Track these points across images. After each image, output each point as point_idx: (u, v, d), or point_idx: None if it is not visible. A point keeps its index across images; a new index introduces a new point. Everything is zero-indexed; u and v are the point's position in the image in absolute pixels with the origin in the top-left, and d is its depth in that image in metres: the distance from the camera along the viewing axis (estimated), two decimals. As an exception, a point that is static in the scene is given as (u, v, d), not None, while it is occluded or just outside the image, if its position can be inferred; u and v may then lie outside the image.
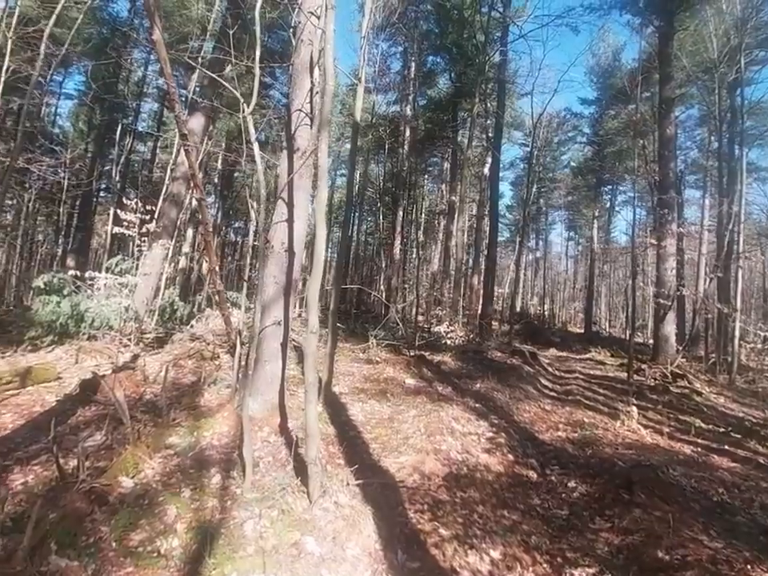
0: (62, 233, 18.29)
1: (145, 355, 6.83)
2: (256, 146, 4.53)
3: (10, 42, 6.42)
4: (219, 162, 20.48)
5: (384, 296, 12.92)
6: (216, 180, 21.49)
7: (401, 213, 17.40)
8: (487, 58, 15.51)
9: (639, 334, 24.38)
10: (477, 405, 6.24)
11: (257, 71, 4.75)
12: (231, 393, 5.08)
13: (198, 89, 12.05)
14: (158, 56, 4.51)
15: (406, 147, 17.86)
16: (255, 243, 8.70)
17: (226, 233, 25.56)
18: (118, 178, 16.85)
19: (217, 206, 21.83)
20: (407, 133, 18.01)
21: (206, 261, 17.50)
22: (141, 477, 3.33)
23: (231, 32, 5.55)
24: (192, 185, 9.87)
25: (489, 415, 5.96)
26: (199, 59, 12.10)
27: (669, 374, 10.23)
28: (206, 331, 7.97)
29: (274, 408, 4.49)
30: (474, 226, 22.09)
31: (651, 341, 17.48)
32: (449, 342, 9.16)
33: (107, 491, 3.01)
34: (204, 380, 5.54)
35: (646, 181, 16.88)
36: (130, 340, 7.45)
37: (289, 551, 2.78)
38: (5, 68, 6.30)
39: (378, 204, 23.63)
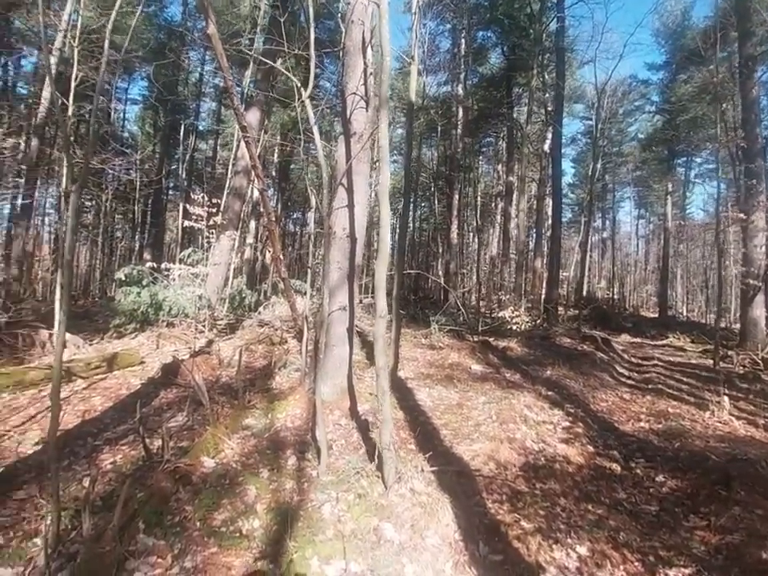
0: (138, 229, 19.62)
1: (218, 341, 7.12)
2: (315, 129, 4.47)
3: (76, 52, 6.80)
4: (276, 155, 20.96)
5: (443, 281, 12.66)
6: (274, 173, 22.04)
7: (456, 196, 16.92)
8: (543, 26, 14.51)
9: (721, 318, 22.29)
10: (549, 393, 5.91)
11: (312, 53, 4.67)
12: (301, 376, 5.13)
13: (252, 85, 12.28)
14: (214, 51, 4.55)
15: (459, 128, 17.26)
16: (318, 230, 8.82)
17: (285, 223, 26.27)
18: (184, 176, 17.73)
19: (276, 197, 22.43)
20: (460, 113, 17.38)
21: (269, 250, 18.07)
22: (221, 457, 3.42)
23: (282, 19, 5.52)
24: (253, 176, 10.16)
25: (563, 404, 5.62)
26: (252, 53, 12.39)
27: (760, 361, 9.21)
28: (274, 317, 8.18)
29: (343, 392, 4.48)
30: (535, 206, 21.10)
31: (736, 325, 15.87)
32: (514, 327, 8.79)
33: (190, 471, 3.11)
34: (274, 364, 5.66)
35: (728, 150, 15.18)
36: (204, 326, 7.81)
37: (368, 537, 2.72)
38: (74, 76, 6.69)
39: (432, 188, 23.18)
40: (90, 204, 18.66)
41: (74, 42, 7.16)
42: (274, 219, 6.22)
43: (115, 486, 3.00)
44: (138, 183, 17.40)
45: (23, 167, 10.39)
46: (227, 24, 14.51)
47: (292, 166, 23.14)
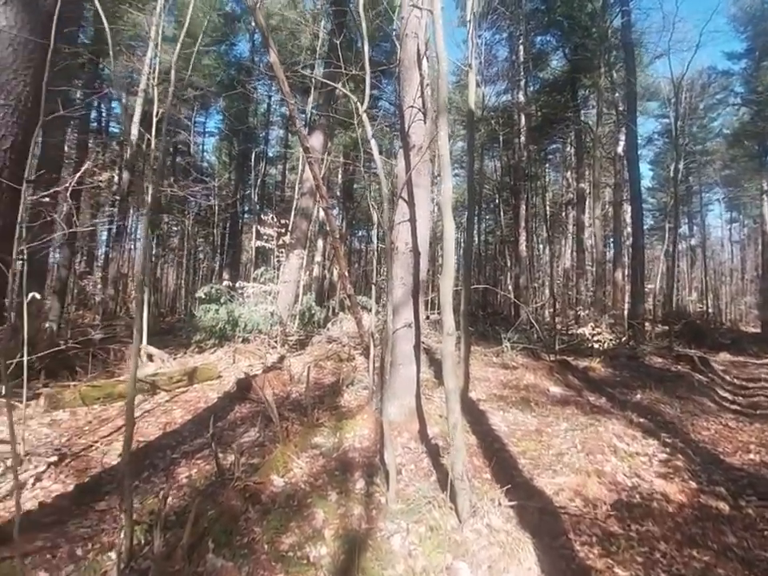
0: (218, 250, 21.01)
1: (289, 356, 7.25)
2: (373, 143, 4.43)
3: (156, 92, 7.49)
4: (339, 176, 21.59)
5: (512, 296, 12.10)
6: (338, 193, 22.69)
7: (523, 207, 16.23)
8: (607, 22, 13.67)
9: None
10: (641, 420, 5.29)
11: (367, 67, 4.67)
12: (369, 395, 5.03)
13: (314, 110, 12.75)
14: (276, 78, 4.71)
15: (522, 136, 16.64)
16: (381, 246, 8.84)
17: (350, 241, 26.85)
18: (256, 200, 18.79)
19: (341, 216, 23.03)
20: (522, 121, 16.77)
21: (336, 268, 18.53)
22: (290, 476, 3.37)
23: (338, 41, 5.63)
24: (318, 196, 10.47)
25: (658, 432, 4.98)
26: (313, 79, 13.00)
27: None
28: (341, 334, 8.23)
29: (411, 413, 4.29)
30: (610, 213, 19.72)
31: None
32: (595, 345, 8.09)
33: (260, 489, 3.07)
34: (342, 381, 5.61)
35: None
36: (276, 342, 8.03)
37: (441, 576, 2.49)
38: (155, 112, 7.33)
39: (497, 200, 22.54)
40: (176, 229, 20.34)
41: (155, 82, 7.90)
42: (338, 237, 6.28)
43: (189, 501, 3.04)
44: (217, 208, 18.86)
45: (117, 197, 11.51)
46: (290, 54, 15.38)
47: (355, 186, 23.72)
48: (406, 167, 4.71)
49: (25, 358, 3.82)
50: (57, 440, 4.25)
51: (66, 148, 9.68)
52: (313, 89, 14.07)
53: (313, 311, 10.23)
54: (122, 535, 2.24)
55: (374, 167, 23.87)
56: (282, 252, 9.72)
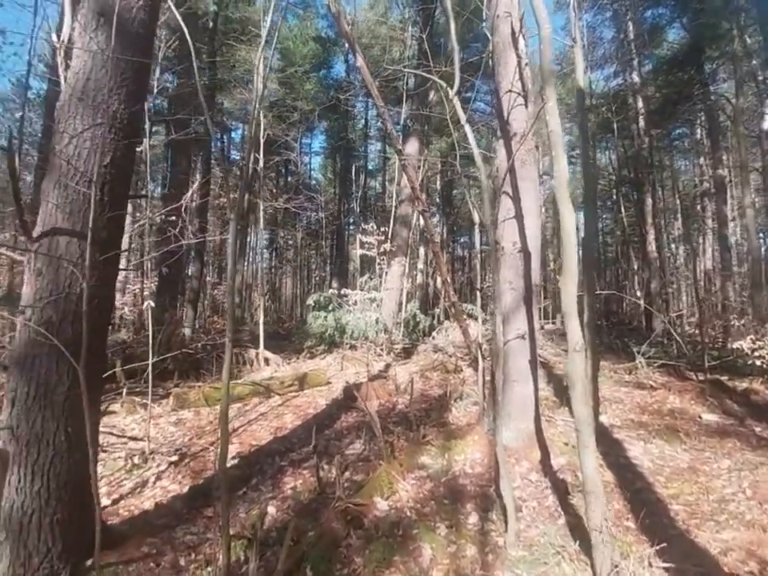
0: (327, 260, 22.01)
1: (395, 365, 7.06)
2: (468, 128, 3.97)
3: (263, 119, 7.98)
4: (438, 182, 21.27)
5: (643, 303, 10.52)
6: (438, 200, 22.33)
7: (649, 201, 14.14)
8: None
9: None
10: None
11: (454, 41, 4.21)
12: (479, 412, 4.56)
13: (408, 119, 12.60)
14: (364, 81, 4.54)
15: (641, 122, 14.53)
16: (485, 248, 8.29)
17: (452, 248, 26.27)
18: (358, 211, 19.30)
19: (441, 222, 22.60)
20: (639, 104, 14.66)
21: (439, 275, 18.17)
22: (395, 499, 3.07)
23: (424, 35, 5.26)
24: (414, 198, 10.24)
25: None
26: (405, 88, 12.96)
27: None
28: (447, 343, 7.83)
29: (530, 437, 3.73)
30: (758, 203, 16.33)
31: None
32: (756, 362, 6.53)
33: (363, 512, 2.82)
34: (450, 395, 5.21)
35: None
36: (382, 350, 7.93)
37: None
38: (261, 134, 7.75)
39: (614, 196, 20.13)
40: (290, 242, 21.80)
41: (261, 110, 8.47)
42: (437, 241, 5.91)
43: (291, 516, 2.90)
44: (324, 221, 19.92)
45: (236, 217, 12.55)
46: (383, 69, 15.66)
47: (454, 192, 23.17)
48: (508, 158, 4.19)
49: (150, 361, 4.08)
50: (180, 439, 4.51)
51: (197, 174, 10.81)
52: (405, 98, 14.09)
53: (417, 319, 9.98)
54: (220, 554, 2.12)
55: (473, 171, 23.21)
56: (383, 260, 9.67)
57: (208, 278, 19.81)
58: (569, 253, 2.43)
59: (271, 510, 3.04)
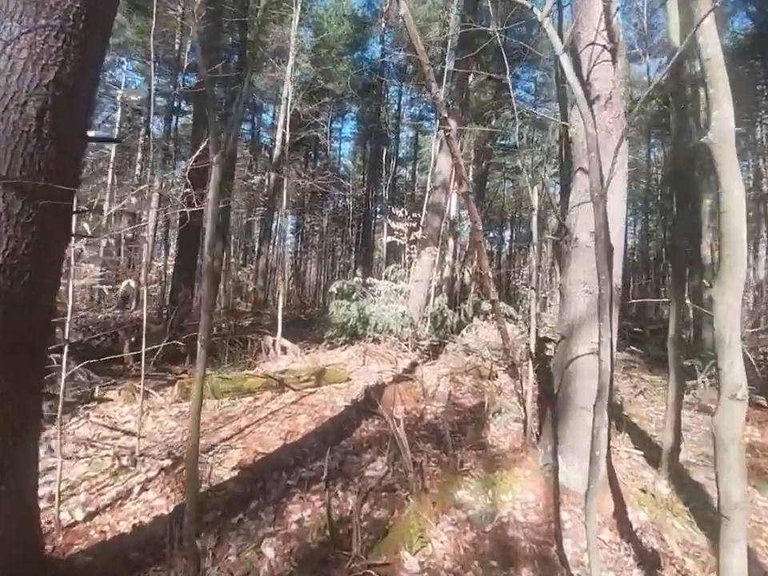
0: (352, 248, 21.31)
1: (422, 364, 6.28)
2: (564, 59, 3.11)
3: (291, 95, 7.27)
4: (471, 173, 20.25)
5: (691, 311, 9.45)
6: (471, 180, 21.32)
7: (707, 202, 12.80)
8: None
9: None
10: None
11: None
12: (522, 431, 3.76)
13: (448, 99, 11.68)
14: (407, 31, 3.72)
15: (702, 115, 13.07)
16: (516, 245, 7.40)
17: (482, 243, 25.19)
18: (387, 198, 18.48)
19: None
20: (701, 94, 13.17)
21: (468, 269, 17.16)
22: (426, 554, 2.32)
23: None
24: (454, 181, 9.35)
25: None
26: (446, 69, 11.96)
27: None
28: (478, 343, 7.01)
29: (600, 482, 2.90)
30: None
31: None
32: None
33: None
34: (487, 408, 4.41)
35: None
36: (407, 346, 7.16)
37: None
38: (289, 112, 7.07)
39: (659, 197, 18.69)
40: (317, 228, 21.18)
41: (292, 90, 7.75)
42: (480, 229, 5.06)
43: (294, 568, 2.19)
44: (351, 208, 19.17)
45: (266, 197, 11.94)
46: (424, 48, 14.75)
47: (488, 184, 22.04)
48: (586, 127, 3.31)
49: (143, 349, 3.43)
50: (178, 437, 3.88)
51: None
52: (445, 80, 13.22)
53: (445, 314, 9.13)
54: None
55: (507, 163, 22.07)
56: (413, 249, 8.85)
57: (233, 260, 19.47)
58: (734, 246, 1.57)
59: (269, 552, 2.34)
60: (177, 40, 12.47)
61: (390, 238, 8.42)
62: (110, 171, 16.39)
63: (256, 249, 16.98)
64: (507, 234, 29.17)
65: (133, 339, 6.27)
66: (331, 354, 7.52)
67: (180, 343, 5.17)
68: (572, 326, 3.26)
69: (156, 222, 11.95)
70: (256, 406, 4.65)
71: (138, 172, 16.09)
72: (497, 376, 5.90)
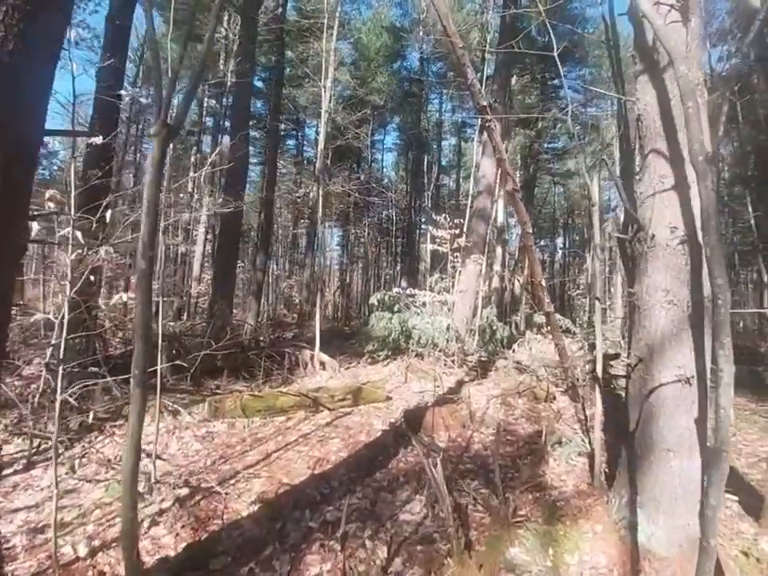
0: (396, 259, 20.97)
1: (468, 383, 5.72)
2: None
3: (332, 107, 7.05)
4: (518, 179, 19.38)
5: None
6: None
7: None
8: None
9: None
10: None
11: None
12: (590, 475, 3.13)
13: (491, 98, 11.10)
14: (437, 11, 3.29)
15: None
16: (571, 251, 6.64)
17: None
18: (430, 205, 18.04)
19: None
20: None
21: (518, 279, 16.21)
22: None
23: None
24: (500, 173, 8.69)
25: None
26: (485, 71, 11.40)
27: None
28: (531, 360, 6.33)
29: (691, 542, 2.24)
30: None
31: None
32: None
33: None
34: (545, 438, 3.80)
35: None
36: (453, 362, 6.62)
37: None
38: (324, 122, 6.81)
39: (725, 197, 16.87)
40: (362, 241, 21.08)
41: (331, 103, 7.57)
42: (530, 232, 4.46)
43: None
44: (395, 218, 18.91)
45: (310, 210, 11.86)
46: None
47: (536, 191, 21.03)
48: (659, 99, 2.69)
49: (159, 364, 3.17)
50: (201, 461, 3.60)
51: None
52: (484, 81, 12.72)
53: (494, 327, 8.47)
54: None
55: (555, 167, 20.90)
56: (456, 257, 8.30)
57: (277, 272, 19.74)
58: None
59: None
60: (221, 61, 12.84)
61: (432, 246, 7.95)
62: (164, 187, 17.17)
63: (301, 261, 17.13)
64: (560, 241, 27.78)
65: (173, 352, 6.21)
66: (372, 369, 7.13)
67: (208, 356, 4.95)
68: (651, 346, 2.63)
69: (205, 236, 12.22)
70: (287, 427, 4.32)
71: (190, 189, 16.79)
72: (554, 398, 5.22)
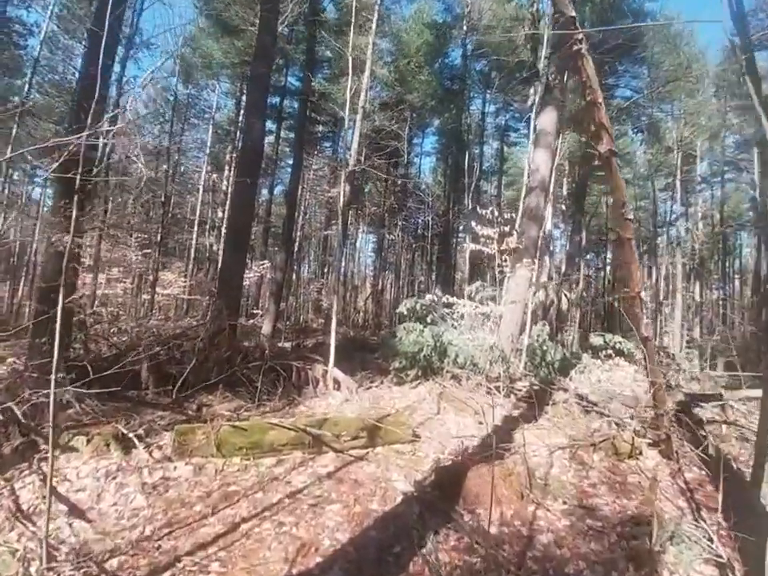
0: (432, 266, 19.58)
1: (521, 423, 4.29)
2: None
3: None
4: (564, 187, 17.63)
5: None
6: (563, 207, 18.41)
7: None
8: None
9: None
10: None
11: None
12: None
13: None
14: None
15: None
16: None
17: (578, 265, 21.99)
18: (470, 207, 16.62)
19: (570, 234, 18.55)
20: None
21: (566, 294, 14.40)
22: None
23: None
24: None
25: None
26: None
27: None
28: (598, 394, 4.82)
29: None
30: None
31: None
32: None
33: None
34: (655, 531, 2.34)
35: None
36: (498, 390, 5.20)
37: None
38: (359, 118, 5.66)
39: None
40: (396, 246, 19.88)
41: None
42: (630, 218, 3.04)
43: None
44: (431, 225, 17.66)
45: (339, 212, 10.81)
46: (506, 52, 13.83)
47: (587, 199, 19.04)
48: None
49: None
50: (139, 527, 2.41)
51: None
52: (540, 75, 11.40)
53: (545, 348, 6.95)
54: None
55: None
56: (505, 260, 6.84)
57: (307, 274, 18.76)
58: None
59: None
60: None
61: (474, 247, 6.58)
62: (201, 187, 16.68)
63: (331, 263, 16.09)
64: (608, 256, 25.48)
65: (163, 356, 5.13)
66: (397, 391, 5.80)
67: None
68: None
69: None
70: (274, 477, 3.06)
71: (224, 187, 16.16)
72: (640, 453, 3.71)
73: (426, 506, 2.74)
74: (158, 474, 2.94)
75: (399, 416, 4.14)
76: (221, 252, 11.45)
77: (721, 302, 19.79)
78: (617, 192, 2.77)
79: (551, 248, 16.08)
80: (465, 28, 14.99)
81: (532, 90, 13.24)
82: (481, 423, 4.34)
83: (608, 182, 2.96)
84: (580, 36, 2.24)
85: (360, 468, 3.28)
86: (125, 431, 3.29)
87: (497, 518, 2.63)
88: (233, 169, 14.12)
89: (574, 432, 4.01)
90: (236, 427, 3.38)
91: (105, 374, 3.80)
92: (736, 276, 22.23)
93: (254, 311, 10.70)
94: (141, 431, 3.48)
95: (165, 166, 15.11)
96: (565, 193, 18.42)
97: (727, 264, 20.40)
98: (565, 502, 2.91)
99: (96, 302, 9.20)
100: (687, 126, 14.70)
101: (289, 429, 3.47)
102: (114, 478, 2.84)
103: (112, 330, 7.06)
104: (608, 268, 24.22)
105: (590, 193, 20.62)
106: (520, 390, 5.38)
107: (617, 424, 4.02)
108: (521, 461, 3.30)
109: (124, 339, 6.59)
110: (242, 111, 15.06)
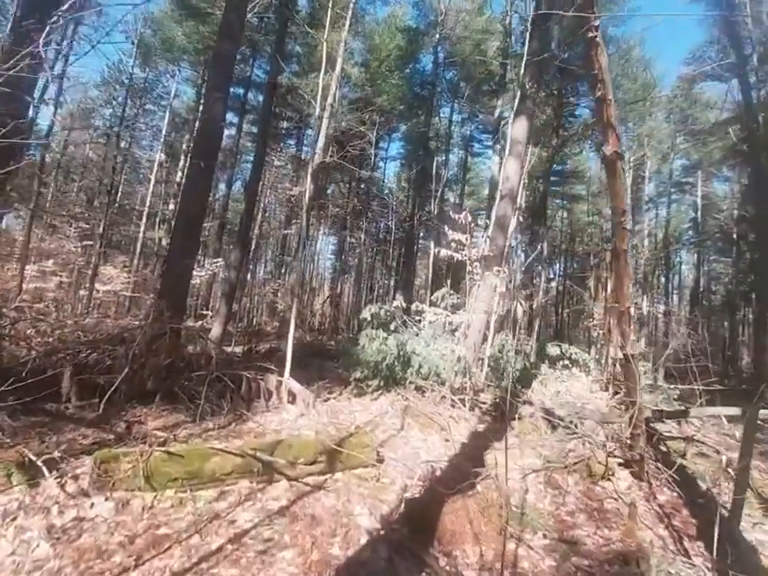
0: (393, 271, 19.35)
1: (490, 441, 4.00)
2: None
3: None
4: (524, 198, 18.06)
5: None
6: (521, 218, 18.86)
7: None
8: None
9: None
10: None
11: None
12: None
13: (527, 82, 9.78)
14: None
15: None
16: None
17: (533, 276, 22.56)
18: (436, 212, 16.58)
19: (530, 244, 18.97)
20: None
21: (521, 303, 14.60)
22: None
23: None
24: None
25: None
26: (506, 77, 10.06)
27: None
28: (564, 406, 4.67)
29: None
30: None
31: None
32: None
33: None
34: (640, 569, 2.10)
35: None
36: (463, 403, 4.92)
37: None
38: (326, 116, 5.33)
39: (735, 235, 15.88)
40: (358, 250, 19.49)
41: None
42: (628, 227, 2.86)
43: None
44: (393, 229, 17.47)
45: (302, 210, 10.29)
46: (475, 65, 14.28)
47: (549, 210, 19.63)
48: None
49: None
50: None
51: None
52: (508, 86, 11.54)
53: (506, 358, 6.82)
54: None
55: (564, 189, 19.60)
56: (474, 267, 6.65)
57: (263, 275, 17.92)
58: None
59: None
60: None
61: (443, 252, 6.33)
62: (153, 177, 15.52)
63: (289, 264, 15.41)
64: (557, 267, 26.38)
65: (88, 363, 4.42)
66: (357, 403, 5.39)
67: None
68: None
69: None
70: (215, 514, 2.56)
71: (178, 178, 15.10)
72: (612, 473, 3.54)
73: (395, 549, 2.35)
74: (70, 513, 2.36)
75: (362, 436, 3.73)
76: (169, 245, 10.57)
77: (660, 316, 21.00)
78: (616, 199, 2.55)
79: (513, 257, 16.34)
80: (438, 36, 14.95)
81: (500, 102, 13.42)
82: (447, 441, 4.03)
83: (609, 186, 2.74)
84: (597, 22, 1.98)
85: (317, 500, 2.84)
86: (32, 457, 2.66)
87: (476, 561, 2.30)
88: (189, 158, 13.19)
89: (546, 451, 3.79)
90: (171, 453, 2.83)
91: (20, 383, 3.19)
92: (675, 291, 23.70)
93: (204, 312, 9.94)
94: (56, 454, 2.85)
95: (114, 153, 13.90)
96: (524, 204, 18.80)
97: (669, 280, 21.69)
98: (545, 536, 2.64)
99: (21, 295, 8.13)
100: (640, 147, 15.44)
101: (235, 455, 2.96)
102: (14, 519, 2.24)
103: (36, 329, 6.16)
104: (558, 279, 25.09)
105: (552, 205, 21.27)
106: (485, 403, 5.15)
107: (590, 443, 3.84)
108: (494, 484, 3.00)
109: (49, 340, 5.76)
110: (202, 100, 14.16)
